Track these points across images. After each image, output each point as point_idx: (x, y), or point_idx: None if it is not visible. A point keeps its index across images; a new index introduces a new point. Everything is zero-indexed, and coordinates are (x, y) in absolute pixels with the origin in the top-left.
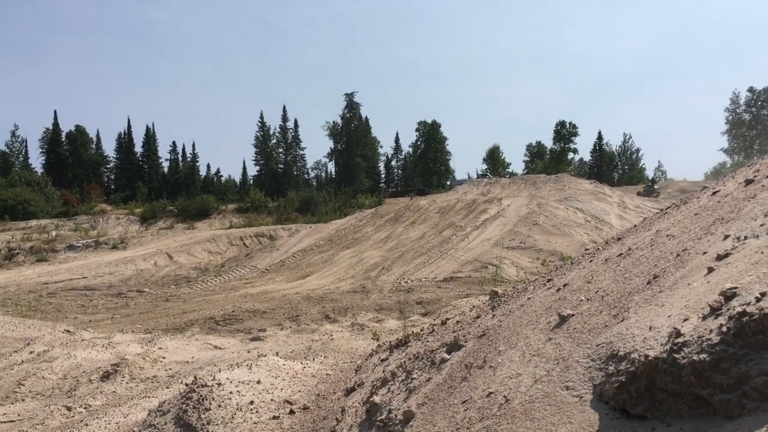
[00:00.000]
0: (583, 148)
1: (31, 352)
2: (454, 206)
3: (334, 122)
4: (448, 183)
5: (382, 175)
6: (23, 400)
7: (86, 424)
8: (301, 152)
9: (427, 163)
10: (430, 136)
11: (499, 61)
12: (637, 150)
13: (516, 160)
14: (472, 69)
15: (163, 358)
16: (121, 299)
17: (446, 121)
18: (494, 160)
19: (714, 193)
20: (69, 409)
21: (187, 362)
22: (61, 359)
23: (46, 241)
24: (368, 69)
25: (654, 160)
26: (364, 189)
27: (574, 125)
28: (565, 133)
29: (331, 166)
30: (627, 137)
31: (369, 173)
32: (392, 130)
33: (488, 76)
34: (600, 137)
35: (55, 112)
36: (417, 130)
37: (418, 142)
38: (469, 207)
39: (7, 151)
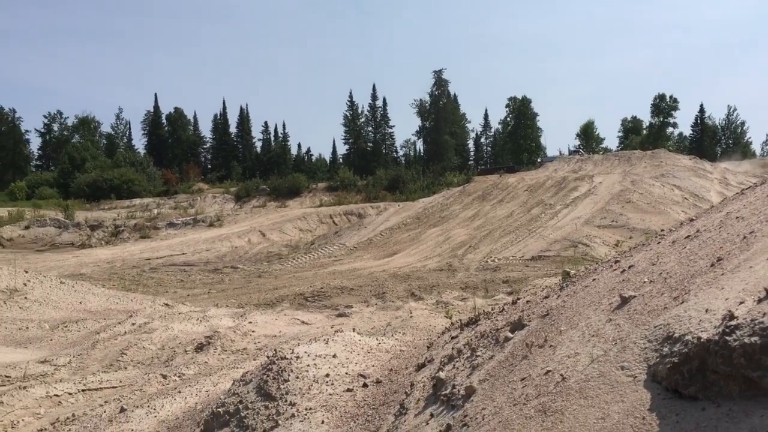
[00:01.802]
0: (683, 122)
1: (133, 324)
2: (543, 184)
3: (422, 100)
4: (539, 160)
5: (471, 153)
6: (125, 368)
7: (179, 391)
8: (390, 130)
9: (517, 140)
10: (521, 112)
11: (592, 33)
12: (742, 123)
13: (610, 135)
14: (565, 42)
15: (253, 331)
16: (217, 275)
17: (537, 97)
18: (588, 136)
19: None
20: (165, 377)
21: (275, 336)
22: (160, 331)
23: (149, 218)
24: (457, 45)
25: (761, 134)
26: (452, 167)
27: (674, 98)
28: (664, 106)
29: (420, 145)
30: (731, 110)
31: (457, 151)
32: (481, 107)
33: (581, 49)
34: (702, 110)
35: (155, 95)
36: (507, 106)
37: (508, 119)
38: (559, 184)
39: (112, 133)
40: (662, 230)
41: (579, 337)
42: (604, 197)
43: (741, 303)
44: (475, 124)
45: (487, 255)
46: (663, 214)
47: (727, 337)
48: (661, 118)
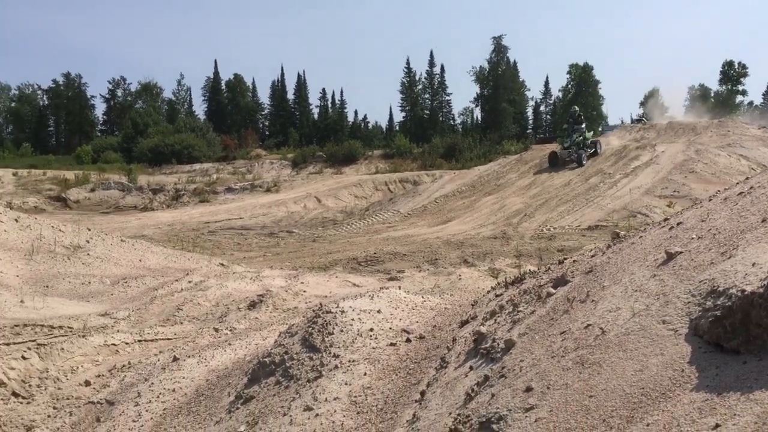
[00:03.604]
0: (754, 90)
1: (189, 282)
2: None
3: (480, 67)
4: (600, 129)
5: (530, 121)
6: (181, 323)
7: (230, 344)
8: (447, 98)
9: None
10: (582, 79)
11: None
12: None
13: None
14: (627, 6)
15: (304, 291)
16: (273, 239)
17: (600, 64)
18: (651, 104)
19: None
20: (217, 330)
21: (326, 296)
22: (215, 289)
23: (208, 183)
24: (517, 11)
25: None
26: (510, 135)
27: (744, 65)
28: (733, 74)
29: (477, 112)
30: None
31: (516, 119)
32: (542, 74)
33: (645, 14)
34: None
35: (215, 61)
36: (568, 73)
37: (569, 86)
38: (619, 153)
39: (173, 99)
40: (717, 191)
41: (621, 292)
42: (666, 167)
43: None
44: (534, 92)
45: (542, 224)
46: (727, 184)
47: None
48: (729, 86)
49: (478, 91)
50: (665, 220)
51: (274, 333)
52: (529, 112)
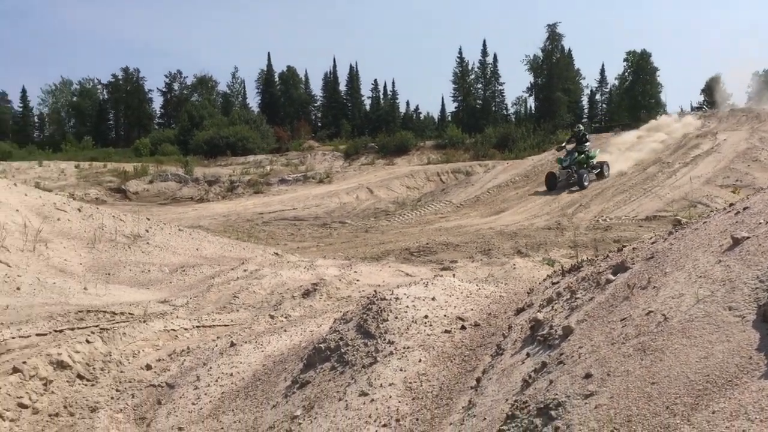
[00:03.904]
0: None
1: (245, 270)
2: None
3: (534, 55)
4: (658, 117)
5: (585, 110)
6: (237, 310)
7: (285, 330)
8: (500, 87)
9: (634, 96)
10: (639, 66)
11: None
12: None
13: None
14: None
15: (357, 280)
16: (326, 229)
17: (658, 50)
18: (713, 92)
19: None
20: (272, 317)
21: (379, 285)
22: (269, 277)
23: (262, 175)
24: None
25: None
26: (564, 124)
27: None
28: None
29: (531, 102)
30: None
31: (570, 108)
32: (597, 62)
33: None
34: None
35: (268, 54)
36: (625, 60)
37: (626, 74)
38: (678, 142)
39: (228, 92)
40: None
41: (685, 278)
42: (728, 155)
43: None
44: (590, 80)
45: (598, 214)
46: None
47: None
48: None
49: (532, 81)
50: (731, 205)
51: (328, 320)
52: (584, 100)
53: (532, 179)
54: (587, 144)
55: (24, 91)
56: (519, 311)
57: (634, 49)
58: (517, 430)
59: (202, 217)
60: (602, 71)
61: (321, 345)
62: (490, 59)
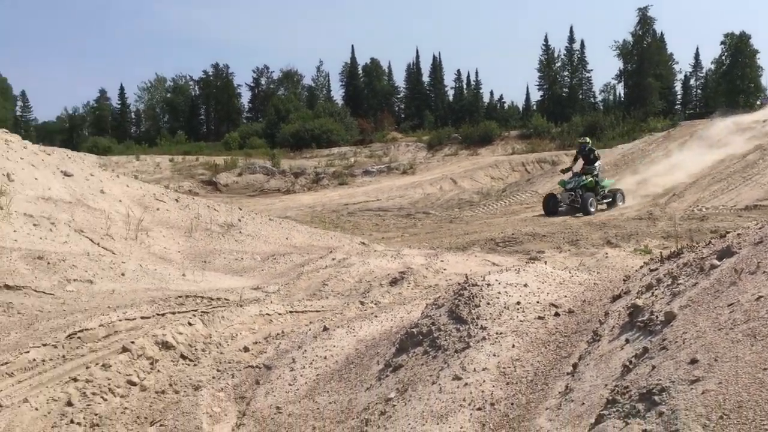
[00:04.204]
0: None
1: (333, 259)
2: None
3: (624, 41)
4: (758, 102)
5: (678, 96)
6: (327, 297)
7: (376, 316)
8: (588, 75)
9: (732, 81)
10: (737, 49)
11: None
12: None
13: None
14: None
15: (444, 269)
16: (410, 220)
17: (759, 32)
18: None
19: None
20: (362, 303)
21: (465, 275)
22: (357, 266)
23: (346, 166)
24: None
25: None
26: (655, 111)
27: None
28: None
29: (620, 88)
30: None
31: (662, 94)
32: (691, 46)
33: None
34: None
35: (352, 46)
36: (722, 43)
37: (723, 57)
38: None
39: (313, 85)
40: None
41: None
42: None
43: None
44: (683, 65)
45: (693, 203)
46: None
47: None
48: None
49: (621, 67)
50: None
51: (417, 307)
52: (678, 86)
53: (621, 168)
54: (597, 164)
55: (122, 89)
56: (615, 298)
57: (731, 31)
58: (618, 414)
59: (289, 208)
60: (696, 55)
61: (413, 330)
62: (577, 46)
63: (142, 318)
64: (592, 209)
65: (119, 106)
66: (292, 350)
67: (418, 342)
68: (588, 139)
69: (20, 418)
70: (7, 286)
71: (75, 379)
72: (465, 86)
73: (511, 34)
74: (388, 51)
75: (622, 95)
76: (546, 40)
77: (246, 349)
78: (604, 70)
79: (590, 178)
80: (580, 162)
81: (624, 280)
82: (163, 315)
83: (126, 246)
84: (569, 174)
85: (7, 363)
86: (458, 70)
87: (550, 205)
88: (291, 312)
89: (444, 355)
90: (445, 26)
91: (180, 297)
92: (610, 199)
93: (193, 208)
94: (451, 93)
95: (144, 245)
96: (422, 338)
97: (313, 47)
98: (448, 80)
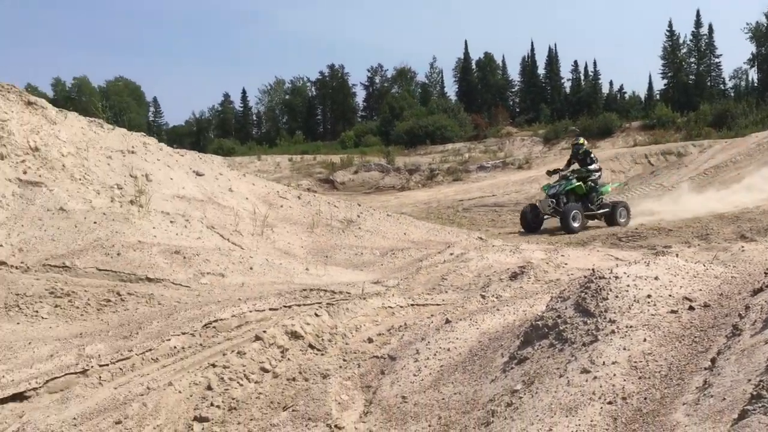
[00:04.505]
0: None
1: (450, 254)
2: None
3: (757, 22)
4: None
5: None
6: (446, 291)
7: (498, 309)
8: (716, 60)
9: None
10: None
11: None
12: None
13: None
14: None
15: (565, 264)
16: None
17: None
18: None
19: None
20: (483, 297)
21: (588, 269)
22: (475, 260)
23: (460, 162)
24: None
25: None
26: None
27: None
28: None
29: (753, 74)
30: None
31: None
32: None
33: None
34: None
35: (465, 42)
36: None
37: None
38: None
39: (426, 82)
40: None
41: None
42: None
43: None
44: None
45: None
46: None
47: None
48: None
49: (754, 51)
50: None
51: (540, 301)
52: None
53: (756, 158)
54: (593, 167)
55: (244, 92)
56: (756, 291)
57: None
58: (764, 410)
59: (404, 205)
60: None
61: (538, 322)
62: (704, 30)
63: (270, 309)
64: (576, 224)
65: (241, 109)
66: (416, 342)
67: (543, 335)
68: (582, 140)
69: (166, 400)
70: (149, 279)
71: (213, 365)
72: (582, 77)
73: (631, 21)
74: (502, 45)
75: (755, 80)
76: (670, 25)
77: (370, 340)
78: (734, 55)
79: (579, 183)
80: (576, 167)
81: (766, 273)
82: (289, 307)
83: (253, 241)
84: (556, 177)
85: (151, 350)
86: (575, 61)
87: (529, 219)
88: (412, 305)
89: (571, 348)
90: (561, 16)
91: (304, 290)
92: (609, 211)
93: (314, 205)
94: (567, 85)
95: (269, 240)
96: (548, 331)
97: (426, 44)
98: (565, 72)
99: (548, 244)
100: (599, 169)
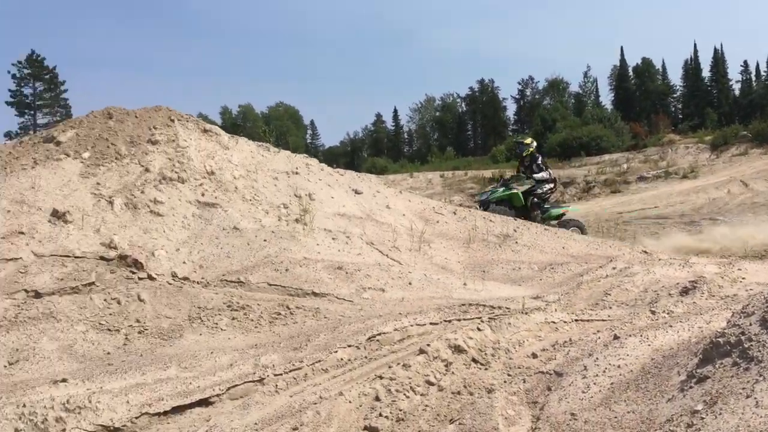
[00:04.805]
0: None
1: (613, 268)
2: None
3: None
4: None
5: None
6: (610, 307)
7: (670, 326)
8: None
9: None
10: None
11: None
12: None
13: None
14: None
15: (743, 278)
16: (694, 227)
17: None
18: None
19: None
20: (653, 313)
21: None
22: (641, 275)
23: (618, 173)
24: None
25: None
26: None
27: None
28: None
29: None
30: None
31: None
32: None
33: None
34: None
35: (621, 48)
36: None
37: None
38: None
39: (580, 92)
40: None
41: None
42: None
43: None
44: None
45: None
46: None
47: None
48: None
49: None
50: None
51: (716, 317)
52: None
53: None
54: (540, 176)
55: (395, 112)
56: None
57: None
58: None
59: None
60: None
61: (719, 339)
62: None
63: (431, 324)
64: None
65: (393, 128)
66: (583, 358)
67: (725, 353)
68: (528, 139)
69: (338, 409)
70: (315, 293)
71: (380, 377)
72: (754, 78)
73: None
74: (662, 49)
75: None
76: None
77: (534, 356)
78: None
79: (517, 191)
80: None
81: None
82: (449, 321)
83: (411, 257)
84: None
85: (320, 361)
86: (745, 61)
87: None
88: (576, 320)
89: (758, 367)
90: (726, 14)
91: (463, 305)
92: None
93: (469, 220)
94: (736, 87)
95: (426, 256)
96: (730, 348)
97: (579, 53)
98: (733, 73)
99: (721, 257)
100: (551, 180)
